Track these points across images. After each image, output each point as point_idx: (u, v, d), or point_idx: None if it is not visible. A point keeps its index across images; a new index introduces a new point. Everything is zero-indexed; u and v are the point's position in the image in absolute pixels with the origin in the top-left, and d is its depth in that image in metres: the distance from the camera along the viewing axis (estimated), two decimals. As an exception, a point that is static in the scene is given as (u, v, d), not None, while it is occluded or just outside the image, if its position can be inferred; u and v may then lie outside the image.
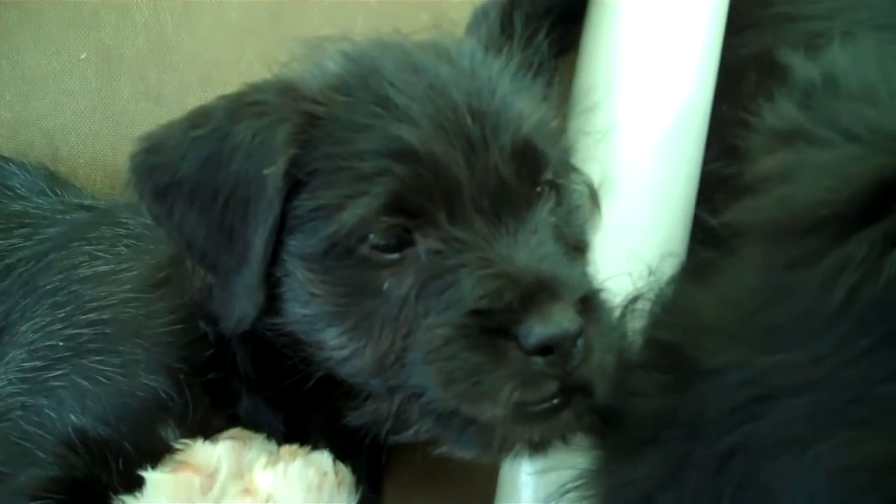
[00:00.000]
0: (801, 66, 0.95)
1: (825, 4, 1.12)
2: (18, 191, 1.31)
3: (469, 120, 0.94)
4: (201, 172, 0.96)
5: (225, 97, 1.00)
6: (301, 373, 1.00)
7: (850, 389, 0.73)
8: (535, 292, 0.89)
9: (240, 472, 1.00)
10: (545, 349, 0.87)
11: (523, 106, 0.99)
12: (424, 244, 0.92)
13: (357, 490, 1.06)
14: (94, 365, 1.04)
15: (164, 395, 1.03)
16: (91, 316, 1.07)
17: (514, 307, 0.88)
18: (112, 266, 1.12)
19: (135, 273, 1.10)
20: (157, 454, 1.01)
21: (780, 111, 0.91)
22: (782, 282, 0.80)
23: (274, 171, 0.93)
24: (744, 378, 0.79)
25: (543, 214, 0.97)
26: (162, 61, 1.44)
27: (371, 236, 0.92)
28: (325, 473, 1.02)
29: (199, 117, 0.99)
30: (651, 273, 0.97)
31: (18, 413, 1.03)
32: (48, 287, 1.14)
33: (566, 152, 1.08)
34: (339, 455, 1.05)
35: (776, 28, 1.13)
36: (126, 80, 1.45)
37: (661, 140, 1.09)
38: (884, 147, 0.78)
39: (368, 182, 0.92)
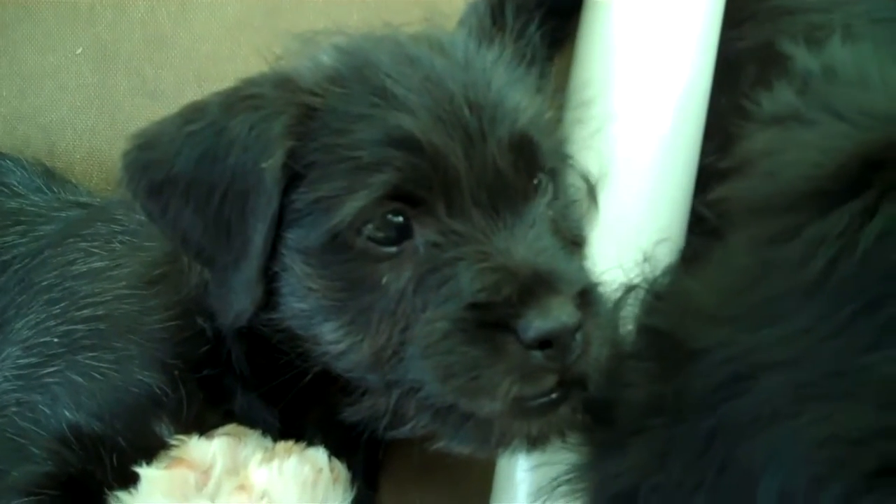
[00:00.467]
0: (802, 57, 0.96)
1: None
2: (15, 188, 1.31)
3: (466, 111, 0.94)
4: (197, 168, 0.95)
5: (219, 92, 0.99)
6: (297, 369, 0.99)
7: (828, 363, 0.74)
8: (534, 286, 0.88)
9: (235, 469, 1.00)
10: (544, 343, 0.87)
11: (519, 98, 0.99)
12: (423, 236, 0.92)
13: (353, 486, 1.06)
14: (88, 361, 1.03)
15: (158, 391, 1.02)
16: (85, 312, 1.07)
17: (512, 301, 0.87)
18: (107, 262, 1.11)
19: (130, 269, 1.10)
20: (152, 450, 1.01)
21: (778, 97, 0.92)
22: (766, 258, 0.81)
23: (272, 164, 0.93)
24: (726, 357, 0.80)
25: (540, 208, 0.96)
26: (158, 57, 1.44)
27: (368, 226, 0.92)
28: (321, 470, 1.02)
29: (194, 112, 0.98)
30: (646, 261, 0.98)
31: (13, 409, 1.03)
32: (43, 284, 1.13)
33: (562, 145, 1.08)
34: (336, 451, 1.05)
35: (775, 21, 1.13)
36: (122, 76, 1.44)
37: (658, 133, 1.09)
38: (868, 125, 0.79)
39: (368, 172, 0.91)
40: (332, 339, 0.95)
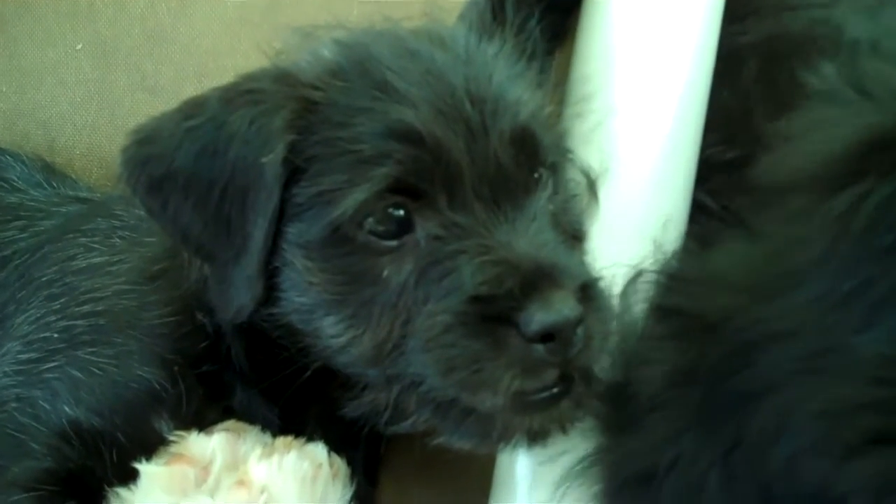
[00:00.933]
0: (853, 26, 0.96)
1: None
2: (15, 183, 1.31)
3: (468, 105, 0.94)
4: (196, 163, 0.95)
5: (218, 87, 0.99)
6: (297, 364, 0.99)
7: (824, 338, 0.75)
8: (536, 279, 0.88)
9: (234, 464, 0.99)
10: (546, 336, 0.86)
11: (520, 92, 0.99)
12: (424, 229, 0.92)
13: (353, 482, 1.06)
14: (88, 356, 1.03)
15: (157, 386, 1.02)
16: (85, 308, 1.07)
17: (514, 294, 0.87)
18: (107, 258, 1.11)
19: (130, 265, 1.10)
20: (151, 446, 1.01)
21: (821, 72, 0.92)
22: (786, 234, 0.82)
23: (272, 159, 0.92)
24: (740, 325, 0.81)
25: (542, 202, 0.96)
26: (158, 52, 1.44)
27: (370, 220, 0.92)
28: (320, 465, 1.01)
29: (193, 108, 0.98)
30: (656, 245, 0.98)
31: (13, 405, 1.03)
32: (43, 279, 1.13)
33: (562, 140, 1.08)
34: (336, 447, 1.05)
35: (777, 16, 1.14)
36: (122, 71, 1.44)
37: (658, 127, 1.09)
38: (890, 105, 0.79)
39: (370, 165, 0.91)
40: (333, 332, 0.95)
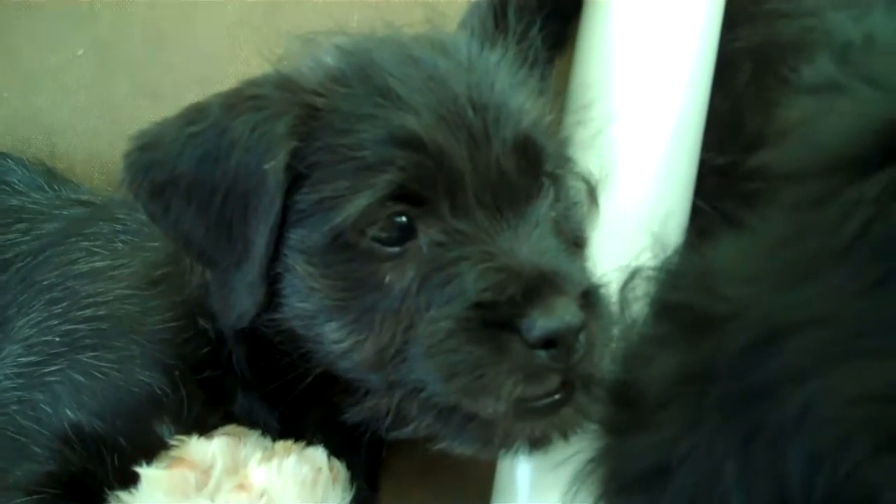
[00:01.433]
0: (842, 27, 0.96)
1: (819, 1, 1.12)
2: (16, 186, 1.31)
3: (470, 112, 0.94)
4: (199, 169, 0.95)
5: (220, 93, 0.99)
6: (298, 370, 0.99)
7: (858, 322, 0.74)
8: (538, 286, 0.89)
9: (235, 468, 1.00)
10: (548, 343, 0.87)
11: (522, 100, 1.00)
12: (427, 235, 0.92)
13: (352, 486, 1.06)
14: (89, 360, 1.03)
15: (159, 391, 1.02)
16: (87, 312, 1.07)
17: (516, 300, 0.88)
18: (109, 262, 1.11)
19: (132, 270, 1.10)
20: (153, 450, 1.01)
21: (818, 67, 0.92)
22: (800, 221, 0.81)
23: (274, 166, 0.93)
24: (755, 318, 0.80)
25: (543, 209, 0.97)
26: (159, 57, 1.44)
27: (373, 227, 0.92)
28: (320, 469, 1.02)
29: (195, 113, 0.98)
30: (655, 242, 0.98)
31: (14, 408, 1.03)
32: (45, 283, 1.13)
33: (563, 147, 1.08)
34: (337, 452, 1.05)
35: (770, 24, 1.14)
36: (123, 77, 1.44)
37: (658, 134, 1.10)
38: None
39: (372, 172, 0.91)
40: (334, 338, 0.95)
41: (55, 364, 1.05)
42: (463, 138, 0.93)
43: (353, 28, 1.06)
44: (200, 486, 0.99)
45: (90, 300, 1.08)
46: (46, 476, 1.00)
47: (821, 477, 0.75)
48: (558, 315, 0.87)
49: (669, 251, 0.97)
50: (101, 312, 1.07)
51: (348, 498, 1.05)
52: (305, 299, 0.96)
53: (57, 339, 1.07)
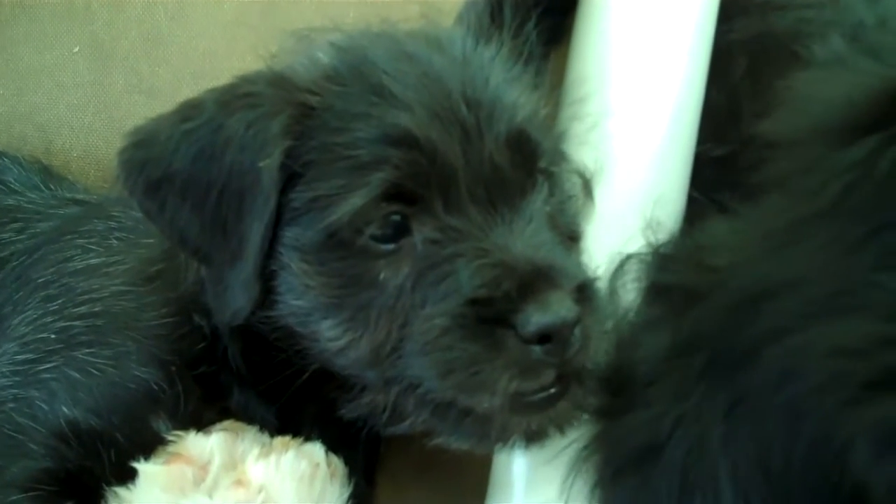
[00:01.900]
0: (855, 9, 0.97)
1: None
2: (12, 185, 1.31)
3: (464, 108, 0.94)
4: (194, 166, 0.95)
5: (215, 90, 0.99)
6: (294, 366, 1.00)
7: (838, 281, 0.76)
8: (533, 281, 0.89)
9: (232, 464, 1.00)
10: (543, 337, 0.87)
11: (516, 95, 1.00)
12: (421, 233, 0.92)
13: (350, 482, 1.06)
14: (85, 357, 1.04)
15: (155, 387, 1.02)
16: (83, 309, 1.07)
17: (511, 296, 0.88)
18: (104, 259, 1.11)
19: (127, 266, 1.10)
20: (150, 446, 1.01)
21: (829, 45, 0.93)
22: (787, 190, 0.83)
23: (269, 164, 0.93)
24: (741, 282, 0.82)
25: (538, 204, 0.97)
26: (155, 54, 1.44)
27: (370, 227, 0.92)
28: (318, 465, 1.02)
29: (190, 110, 0.98)
30: (648, 227, 0.99)
31: (10, 405, 1.03)
32: (40, 280, 1.13)
33: (558, 141, 1.08)
34: (333, 447, 1.05)
35: (765, 16, 1.15)
36: (119, 74, 1.44)
37: (654, 128, 1.10)
38: None
39: (366, 171, 0.91)
40: (330, 336, 0.95)
41: (51, 361, 1.05)
42: (456, 134, 0.93)
43: (349, 25, 1.06)
44: (198, 482, 0.99)
45: (85, 297, 1.08)
46: (43, 473, 1.00)
47: (800, 439, 0.76)
48: (553, 310, 0.87)
49: (662, 236, 0.97)
50: (96, 309, 1.07)
51: (346, 493, 1.05)
52: (300, 297, 0.96)
53: (52, 336, 1.07)
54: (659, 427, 0.85)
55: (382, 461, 1.18)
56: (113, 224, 1.15)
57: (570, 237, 1.03)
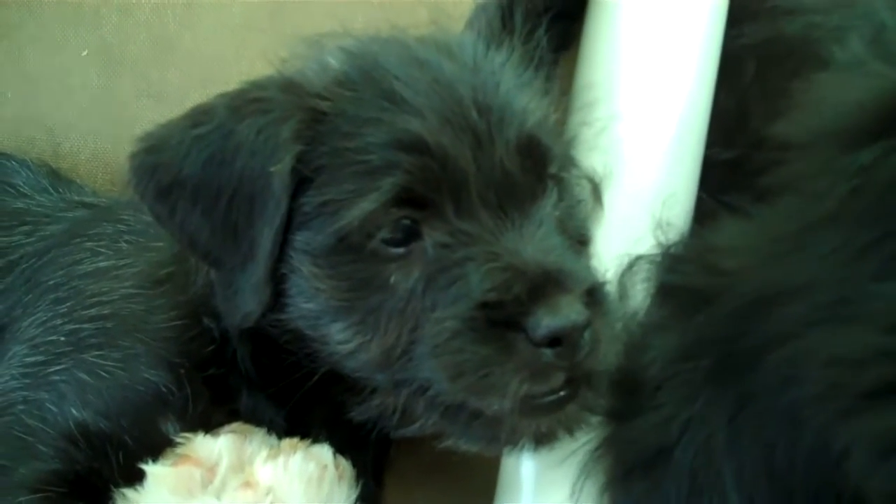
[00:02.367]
0: (877, 12, 0.97)
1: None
2: (21, 188, 1.31)
3: (474, 114, 0.95)
4: (204, 171, 0.96)
5: (225, 95, 1.00)
6: (304, 369, 1.00)
7: (839, 289, 0.76)
8: (543, 284, 0.89)
9: (240, 466, 1.00)
10: (554, 341, 0.87)
11: (527, 101, 1.00)
12: (431, 237, 0.93)
13: (358, 483, 1.06)
14: (94, 359, 1.04)
15: (164, 389, 1.03)
16: (92, 311, 1.08)
17: (522, 299, 0.88)
18: (113, 262, 1.12)
19: (136, 269, 1.10)
20: (158, 448, 1.02)
21: (848, 47, 0.93)
22: (797, 193, 0.83)
23: (280, 169, 0.93)
24: (745, 287, 0.82)
25: (548, 208, 0.97)
26: (163, 59, 1.44)
27: (380, 231, 0.92)
28: (326, 466, 1.02)
29: (201, 115, 0.99)
30: (658, 227, 0.99)
31: (20, 407, 1.04)
32: (50, 283, 1.14)
33: (568, 147, 1.09)
34: (342, 449, 1.06)
35: (775, 21, 1.15)
36: (127, 78, 1.44)
37: (663, 133, 1.11)
38: None
39: (377, 176, 0.92)
40: (340, 339, 0.96)
41: (60, 363, 1.05)
42: (467, 140, 0.93)
43: (358, 29, 1.06)
44: (206, 484, 0.99)
45: (95, 300, 1.09)
46: (52, 474, 1.01)
47: (801, 444, 0.77)
48: (564, 313, 0.87)
49: (672, 238, 0.98)
50: (105, 312, 1.07)
51: (354, 495, 1.05)
52: (311, 300, 0.97)
53: (62, 338, 1.07)
54: (668, 430, 0.86)
55: (391, 463, 1.18)
56: (122, 227, 1.16)
57: (580, 241, 1.04)
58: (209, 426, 1.04)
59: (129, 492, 1.00)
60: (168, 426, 1.04)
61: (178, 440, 1.02)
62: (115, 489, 1.00)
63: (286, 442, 1.03)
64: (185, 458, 1.01)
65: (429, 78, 0.96)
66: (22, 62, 1.46)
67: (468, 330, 0.89)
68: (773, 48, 1.11)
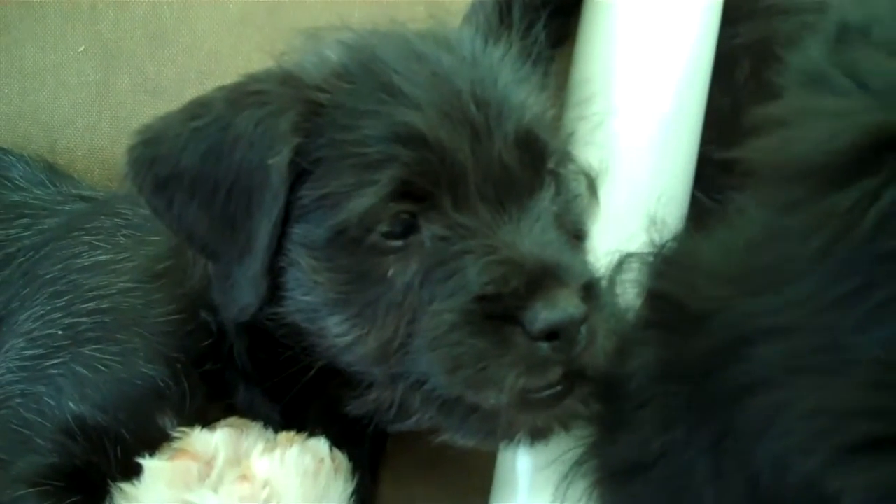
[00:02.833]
0: (841, 7, 0.94)
1: (817, -2, 1.14)
2: (18, 182, 1.31)
3: (473, 107, 0.95)
4: (202, 164, 0.96)
5: (223, 88, 1.00)
6: (300, 364, 1.00)
7: (821, 336, 0.75)
8: (541, 278, 0.89)
9: (237, 459, 1.00)
10: (551, 335, 0.88)
11: (525, 95, 1.00)
12: (429, 230, 0.93)
13: (354, 477, 1.06)
14: (92, 353, 1.04)
15: (161, 383, 1.03)
16: (90, 305, 1.08)
17: (519, 293, 0.88)
18: (111, 256, 1.12)
19: (134, 263, 1.10)
20: (155, 442, 1.02)
21: (808, 52, 0.91)
22: (774, 224, 0.82)
23: (278, 162, 0.93)
24: (727, 320, 0.81)
25: (545, 203, 0.97)
26: (160, 54, 1.44)
27: (379, 224, 0.92)
28: (322, 460, 1.02)
29: (198, 108, 0.99)
30: (652, 225, 0.99)
31: (18, 401, 1.04)
32: (48, 276, 1.14)
33: (564, 141, 1.09)
34: (338, 443, 1.06)
35: (770, 20, 1.15)
36: (124, 73, 1.44)
37: (658, 127, 1.11)
38: (892, 102, 0.78)
39: (375, 169, 0.92)
40: (338, 332, 0.96)
41: (58, 357, 1.05)
42: (465, 133, 0.94)
43: (355, 24, 1.06)
44: (203, 478, 0.99)
45: (93, 293, 1.08)
46: (49, 468, 1.01)
47: (788, 479, 0.76)
48: (561, 307, 0.88)
49: (665, 237, 0.98)
50: (103, 305, 1.07)
51: (350, 489, 1.06)
52: (308, 293, 0.97)
53: (60, 332, 1.07)
54: (647, 450, 0.86)
55: (387, 458, 1.18)
56: (120, 221, 1.16)
57: (576, 236, 1.04)
58: (206, 421, 1.04)
59: (126, 486, 1.00)
60: (165, 421, 1.03)
61: (175, 434, 1.02)
62: (112, 483, 1.00)
63: (282, 435, 1.04)
64: (181, 452, 1.01)
65: (427, 71, 0.96)
66: (18, 58, 1.46)
67: (465, 323, 0.89)
68: (768, 47, 1.10)
